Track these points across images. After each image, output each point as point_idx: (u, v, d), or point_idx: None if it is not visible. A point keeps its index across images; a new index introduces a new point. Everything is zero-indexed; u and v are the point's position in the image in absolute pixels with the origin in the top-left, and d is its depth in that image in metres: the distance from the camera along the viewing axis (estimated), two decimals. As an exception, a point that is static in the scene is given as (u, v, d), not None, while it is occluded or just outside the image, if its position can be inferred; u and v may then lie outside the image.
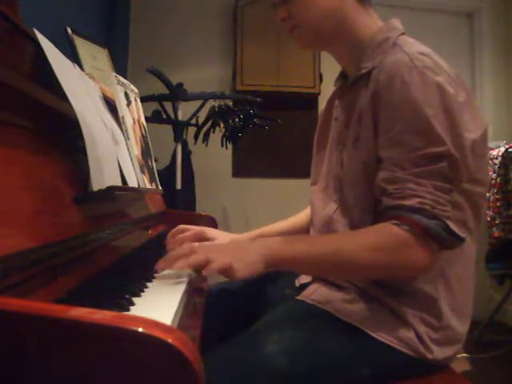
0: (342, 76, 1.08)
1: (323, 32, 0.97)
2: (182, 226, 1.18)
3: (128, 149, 1.05)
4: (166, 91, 2.39)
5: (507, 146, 2.60)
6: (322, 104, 1.19)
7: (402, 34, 0.95)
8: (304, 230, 1.23)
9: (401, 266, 0.84)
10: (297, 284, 1.07)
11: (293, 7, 0.96)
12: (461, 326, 0.92)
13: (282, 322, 0.90)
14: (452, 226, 0.81)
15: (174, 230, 1.17)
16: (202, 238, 1.17)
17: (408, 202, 0.81)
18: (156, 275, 0.83)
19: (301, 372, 0.82)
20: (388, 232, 0.82)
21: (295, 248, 0.83)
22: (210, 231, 1.18)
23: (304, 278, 1.06)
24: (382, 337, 0.86)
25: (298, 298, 0.99)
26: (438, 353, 0.88)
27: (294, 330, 0.87)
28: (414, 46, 0.89)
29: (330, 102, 1.13)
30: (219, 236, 1.18)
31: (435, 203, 0.80)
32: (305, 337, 0.86)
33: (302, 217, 1.29)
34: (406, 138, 0.83)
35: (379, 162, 0.87)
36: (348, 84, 1.01)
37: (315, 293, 0.97)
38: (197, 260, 0.74)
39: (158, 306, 0.64)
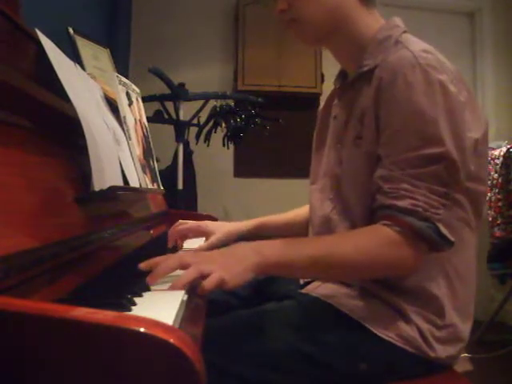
0: (342, 75, 1.08)
1: (323, 28, 0.97)
2: (180, 222, 1.20)
3: (129, 149, 1.05)
4: (168, 91, 2.39)
5: (509, 146, 2.60)
6: (324, 104, 1.19)
7: (404, 32, 0.95)
8: (304, 223, 1.24)
9: (391, 266, 0.85)
10: (301, 282, 1.07)
11: (293, 0, 0.95)
12: (463, 325, 0.92)
13: (285, 311, 0.92)
14: (443, 229, 0.81)
15: (173, 226, 1.20)
16: (198, 233, 1.18)
17: (401, 203, 0.81)
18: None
19: (299, 358, 0.85)
20: (379, 233, 0.83)
21: (285, 253, 0.81)
22: (206, 225, 1.20)
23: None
24: (383, 333, 0.86)
25: (303, 291, 1.00)
26: (441, 351, 0.88)
27: (295, 318, 0.90)
28: (417, 43, 0.89)
29: (329, 101, 1.13)
30: (216, 229, 1.18)
31: (428, 206, 0.81)
32: (306, 326, 0.88)
33: (304, 210, 1.29)
34: (404, 136, 0.83)
35: (379, 158, 0.87)
36: (348, 82, 1.01)
37: (320, 287, 0.98)
38: (189, 279, 0.71)
39: (160, 305, 0.63)
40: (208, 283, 0.70)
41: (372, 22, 0.97)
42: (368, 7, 0.97)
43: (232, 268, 0.74)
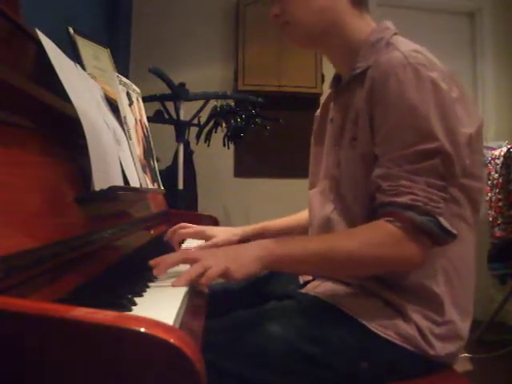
0: (336, 78, 1.09)
1: (314, 31, 0.99)
2: (183, 224, 1.21)
3: (130, 149, 1.05)
4: (168, 91, 2.39)
5: (509, 146, 2.60)
6: (324, 104, 1.19)
7: (395, 34, 0.96)
8: (306, 227, 1.24)
9: (394, 262, 0.85)
10: (301, 281, 1.07)
11: (285, 4, 0.98)
12: (462, 323, 0.92)
13: (285, 310, 0.92)
14: (444, 222, 0.82)
15: (175, 226, 1.20)
16: (202, 237, 1.20)
17: (401, 199, 0.82)
18: (158, 276, 0.83)
19: (299, 358, 0.85)
20: (382, 229, 0.84)
21: (290, 248, 0.84)
22: (209, 229, 1.21)
23: (308, 276, 1.06)
24: (382, 331, 0.86)
25: (302, 290, 1.01)
26: (441, 349, 0.88)
27: (295, 318, 0.89)
28: (407, 44, 0.90)
29: (326, 105, 1.15)
30: (219, 233, 1.19)
31: (428, 200, 0.81)
32: (306, 326, 0.88)
33: (305, 214, 1.30)
34: (399, 133, 0.84)
35: (375, 158, 0.88)
36: (342, 85, 1.02)
37: (319, 286, 0.99)
38: (194, 274, 0.73)
39: (160, 305, 0.64)
40: (212, 271, 0.73)
41: (364, 25, 0.99)
42: (360, 11, 0.99)
43: (237, 260, 0.77)
